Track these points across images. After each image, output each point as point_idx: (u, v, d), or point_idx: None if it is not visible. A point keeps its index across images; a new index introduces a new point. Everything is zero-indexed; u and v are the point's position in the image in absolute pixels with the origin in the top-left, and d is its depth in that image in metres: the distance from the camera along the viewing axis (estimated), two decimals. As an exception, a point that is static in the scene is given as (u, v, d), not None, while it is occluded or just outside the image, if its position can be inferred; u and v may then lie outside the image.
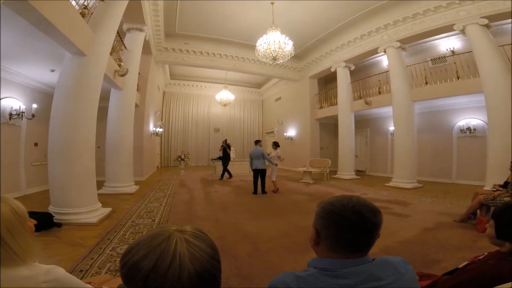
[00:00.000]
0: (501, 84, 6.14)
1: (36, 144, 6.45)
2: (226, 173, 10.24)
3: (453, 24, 6.99)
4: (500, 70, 6.21)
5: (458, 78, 7.63)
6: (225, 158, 10.26)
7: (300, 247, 3.12)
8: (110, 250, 2.97)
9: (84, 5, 4.04)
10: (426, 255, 2.80)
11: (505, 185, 4.04)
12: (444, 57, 8.87)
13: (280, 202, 5.91)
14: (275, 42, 6.69)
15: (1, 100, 5.33)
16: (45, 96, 6.49)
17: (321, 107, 12.72)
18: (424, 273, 1.58)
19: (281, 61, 7.19)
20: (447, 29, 7.37)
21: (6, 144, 5.51)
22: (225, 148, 10.23)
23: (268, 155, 7.26)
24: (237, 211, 5.05)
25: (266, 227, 4.00)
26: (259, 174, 6.93)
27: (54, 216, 3.72)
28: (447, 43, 8.97)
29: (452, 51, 8.63)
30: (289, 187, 8.11)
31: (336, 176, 10.50)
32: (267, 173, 7.14)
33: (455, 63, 7.97)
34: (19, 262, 0.85)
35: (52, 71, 5.45)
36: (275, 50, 6.72)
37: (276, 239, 3.45)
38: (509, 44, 6.47)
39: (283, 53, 6.83)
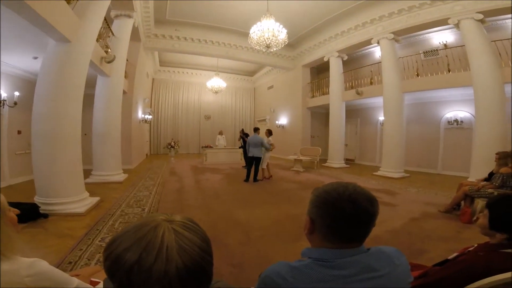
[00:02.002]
0: (491, 79, 6.27)
1: (19, 132, 6.18)
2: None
3: (448, 18, 7.01)
4: (490, 64, 6.31)
5: (449, 71, 7.75)
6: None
7: (292, 235, 3.18)
8: (99, 241, 2.93)
9: None
10: (413, 245, 2.90)
11: (490, 176, 4.19)
12: (437, 50, 8.95)
13: (271, 190, 5.97)
14: (269, 30, 6.52)
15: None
16: (28, 84, 6.17)
17: (313, 96, 12.70)
18: (413, 263, 1.62)
19: (275, 49, 7.04)
20: (441, 22, 7.39)
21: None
22: (243, 137, 9.98)
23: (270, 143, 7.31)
24: (229, 199, 5.07)
25: (257, 215, 4.04)
26: (254, 161, 6.95)
27: (40, 207, 3.62)
28: (440, 37, 9.04)
29: (445, 45, 8.74)
30: (280, 175, 8.18)
31: (326, 164, 10.65)
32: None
33: (446, 56, 8.06)
34: (0, 256, 0.80)
35: (35, 58, 5.17)
36: (269, 38, 6.56)
37: (267, 227, 3.50)
38: (501, 40, 6.57)
39: (277, 41, 6.68)
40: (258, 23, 6.63)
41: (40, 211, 3.57)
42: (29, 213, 3.40)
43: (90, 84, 5.55)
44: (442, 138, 9.06)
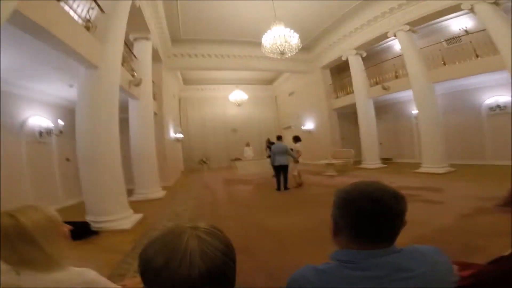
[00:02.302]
0: None
1: (68, 159, 6.81)
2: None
3: (460, 4, 6.59)
4: None
5: (477, 56, 7.18)
6: None
7: (326, 240, 3.03)
8: None
9: (86, 18, 4.18)
10: (466, 243, 2.60)
11: None
12: (459, 36, 8.36)
13: (303, 197, 5.83)
14: (280, 37, 6.57)
15: (29, 119, 5.64)
16: (69, 112, 6.84)
17: (336, 97, 12.36)
18: (464, 262, 1.44)
19: (289, 54, 7.05)
20: (455, 9, 6.98)
21: (40, 161, 5.87)
22: (269, 147, 9.99)
23: (292, 150, 7.18)
24: (261, 209, 5.04)
25: (290, 222, 3.95)
26: (282, 170, 6.84)
27: (91, 225, 3.95)
28: (459, 23, 8.48)
29: (466, 31, 8.17)
30: (312, 180, 7.97)
31: (361, 166, 10.15)
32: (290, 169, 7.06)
33: (470, 42, 7.49)
34: (54, 266, 0.88)
35: (71, 86, 5.69)
36: (282, 44, 6.60)
37: (300, 234, 3.40)
38: None
39: (290, 47, 6.70)
40: (268, 31, 6.72)
41: (92, 229, 3.89)
42: (82, 231, 3.72)
43: (123, 109, 5.97)
44: (486, 126, 8.18)
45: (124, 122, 6.29)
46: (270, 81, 17.95)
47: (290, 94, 16.25)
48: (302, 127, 14.63)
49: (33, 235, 0.84)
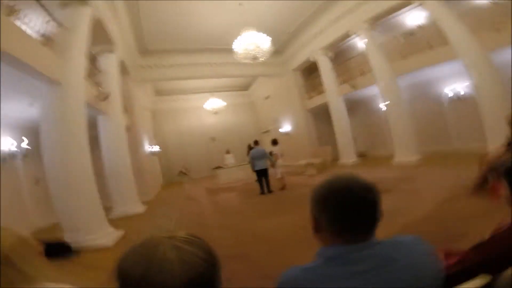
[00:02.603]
0: (472, 48, 6.23)
1: (37, 182, 6.34)
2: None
3: None
4: (466, 36, 6.30)
5: (430, 47, 7.67)
6: None
7: (314, 239, 3.05)
8: None
9: (42, 33, 3.91)
10: (447, 230, 2.73)
11: (509, 144, 3.96)
12: (413, 30, 8.89)
13: (288, 198, 5.86)
14: (252, 42, 6.63)
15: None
16: (33, 132, 6.34)
17: (310, 97, 12.68)
18: (449, 249, 1.48)
19: (262, 59, 7.13)
20: (407, 3, 7.50)
21: (7, 185, 5.47)
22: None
23: (271, 153, 7.19)
24: (248, 214, 5.00)
25: (279, 224, 3.96)
26: (263, 174, 6.84)
27: (70, 244, 3.70)
28: (412, 16, 9.03)
29: (419, 24, 8.71)
30: (294, 181, 8.05)
31: (338, 162, 10.43)
32: (271, 172, 7.06)
33: (424, 34, 8.03)
34: (33, 283, 0.88)
35: (31, 105, 5.26)
36: (254, 49, 6.65)
37: (291, 235, 3.41)
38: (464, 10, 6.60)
39: (262, 51, 6.77)
40: (240, 37, 6.75)
41: (72, 248, 3.66)
42: (62, 250, 3.46)
43: (93, 125, 5.64)
44: (448, 113, 8.82)
45: (95, 139, 5.97)
46: (245, 87, 18.02)
47: (266, 98, 16.42)
48: (280, 130, 14.81)
49: (10, 256, 0.86)
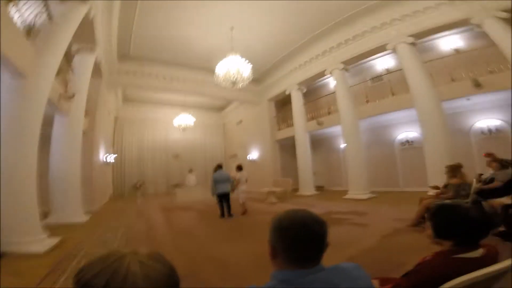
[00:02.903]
0: (428, 98, 7.11)
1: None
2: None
3: (386, 44, 8.01)
4: (426, 85, 7.19)
5: (392, 94, 8.67)
6: None
7: (270, 265, 3.06)
8: (64, 280, 2.72)
9: (29, 25, 3.71)
10: (389, 260, 2.98)
11: (446, 188, 4.60)
12: (381, 75, 9.93)
13: (247, 223, 5.80)
14: (234, 67, 6.91)
15: None
16: None
17: (279, 129, 13.25)
18: (385, 277, 1.64)
19: (240, 85, 7.40)
20: (382, 49, 8.38)
21: None
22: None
23: (233, 178, 7.17)
24: (204, 236, 4.80)
25: (235, 249, 3.86)
26: (224, 197, 6.77)
27: None
28: (383, 62, 10.19)
29: (387, 70, 9.76)
30: (255, 207, 8.03)
31: (298, 193, 10.77)
32: (234, 196, 7.00)
33: (389, 80, 9.05)
34: None
35: None
36: (234, 75, 6.93)
37: (245, 262, 3.33)
38: (431, 60, 7.68)
39: (242, 78, 7.07)
40: (224, 60, 7.00)
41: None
42: None
43: (47, 123, 5.19)
44: (398, 158, 9.89)
45: (45, 138, 5.42)
46: (219, 109, 18.14)
47: (238, 123, 16.68)
48: (248, 156, 14.95)
49: None
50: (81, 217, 6.24)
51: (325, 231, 0.87)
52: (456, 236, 1.12)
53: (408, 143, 9.56)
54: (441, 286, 0.96)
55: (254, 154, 14.73)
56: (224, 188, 6.73)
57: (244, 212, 6.95)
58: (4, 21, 3.14)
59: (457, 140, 7.58)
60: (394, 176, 9.93)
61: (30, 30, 3.77)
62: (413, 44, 7.55)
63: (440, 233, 1.18)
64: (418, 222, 4.37)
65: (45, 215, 5.33)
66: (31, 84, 3.91)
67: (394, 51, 8.01)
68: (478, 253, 1.08)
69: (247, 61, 7.19)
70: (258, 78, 12.66)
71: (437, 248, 1.25)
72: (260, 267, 3.05)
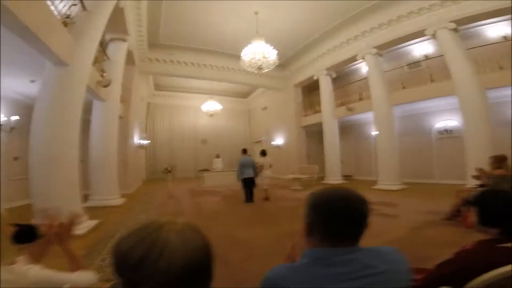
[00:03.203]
0: (472, 86, 6.53)
1: (16, 158, 6.14)
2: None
3: (425, 29, 7.39)
4: (469, 72, 6.59)
5: (432, 81, 8.01)
6: None
7: (294, 252, 3.10)
8: (100, 261, 2.90)
9: (67, 14, 3.96)
10: (417, 252, 2.86)
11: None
12: (419, 61, 9.24)
13: (271, 209, 5.88)
14: (259, 52, 6.83)
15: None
16: (25, 108, 6.22)
17: (306, 115, 12.96)
18: (418, 268, 1.59)
19: (266, 70, 7.31)
20: (419, 34, 7.77)
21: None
22: None
23: (257, 163, 7.24)
24: (228, 220, 4.97)
25: (258, 234, 3.96)
26: (249, 182, 6.86)
27: (37, 229, 3.54)
28: (421, 48, 9.42)
29: (426, 56, 9.05)
30: (279, 194, 8.10)
31: (324, 181, 10.61)
32: (258, 182, 7.10)
33: (428, 67, 8.37)
34: None
35: (32, 81, 5.25)
36: (260, 60, 6.85)
37: (269, 245, 3.41)
38: (475, 47, 6.95)
39: (268, 63, 6.97)
40: (249, 46, 6.93)
41: (38, 233, 3.50)
42: (27, 234, 3.31)
43: (86, 109, 5.63)
44: (435, 148, 9.21)
45: (84, 123, 5.89)
46: (245, 95, 18.21)
47: (263, 109, 16.64)
48: (272, 142, 14.96)
49: None
50: (117, 200, 6.64)
51: (366, 210, 0.82)
52: (504, 223, 1.04)
53: (446, 132, 8.82)
54: (485, 275, 0.91)
55: (279, 140, 14.66)
56: (249, 172, 6.83)
57: (267, 199, 7.04)
58: (44, 11, 3.34)
59: (500, 131, 6.87)
60: (429, 167, 9.31)
61: (66, 21, 3.99)
62: (455, 30, 6.89)
63: (486, 220, 1.10)
64: (453, 216, 4.10)
65: (85, 198, 5.68)
66: (71, 71, 4.15)
67: (433, 37, 7.38)
68: None
69: (272, 46, 7.03)
70: (284, 63, 12.34)
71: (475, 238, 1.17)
72: (279, 252, 3.12)
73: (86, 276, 1.15)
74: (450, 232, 3.53)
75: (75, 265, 1.27)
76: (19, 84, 5.57)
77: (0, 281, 0.81)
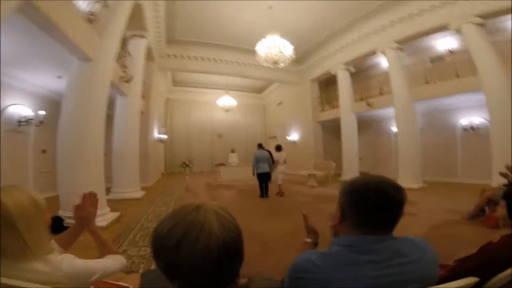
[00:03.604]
0: (500, 82, 6.16)
1: (44, 151, 6.54)
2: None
3: (448, 24, 7.03)
4: (497, 67, 6.21)
5: (457, 76, 7.60)
6: None
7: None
8: (121, 253, 3.01)
9: (91, 11, 4.14)
10: (438, 250, 2.78)
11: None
12: (442, 56, 8.79)
13: (286, 204, 5.92)
14: (275, 46, 6.78)
15: (9, 107, 5.43)
16: (52, 103, 6.58)
17: (322, 110, 12.75)
18: (440, 263, 1.57)
19: (282, 65, 7.25)
20: (442, 28, 7.39)
21: (15, 151, 5.60)
22: None
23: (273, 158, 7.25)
24: (244, 213, 5.05)
25: (274, 227, 4.01)
26: (265, 177, 6.86)
27: (64, 220, 3.76)
28: (444, 42, 8.94)
29: (450, 50, 8.59)
30: (294, 189, 8.10)
31: (340, 178, 10.46)
32: (273, 177, 7.14)
33: (453, 62, 7.93)
34: (31, 256, 0.80)
35: (59, 77, 5.52)
36: (276, 54, 6.81)
37: (285, 239, 3.46)
38: (502, 42, 6.53)
39: (284, 57, 6.91)
40: (264, 40, 6.88)
41: (65, 224, 3.71)
42: (54, 226, 3.53)
43: (109, 105, 5.86)
44: (459, 146, 8.79)
45: (108, 119, 6.16)
46: (260, 90, 18.21)
47: (279, 104, 16.55)
48: (287, 138, 14.89)
49: (14, 218, 0.77)
50: (138, 193, 6.87)
51: (403, 198, 0.81)
52: None
53: (472, 129, 8.37)
54: (507, 270, 0.90)
55: (294, 136, 14.57)
56: (265, 167, 6.82)
57: (281, 194, 7.05)
58: (69, 8, 3.49)
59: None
60: (452, 165, 8.89)
61: (90, 17, 4.14)
62: (480, 24, 6.48)
63: None
64: (477, 215, 3.94)
65: (107, 191, 5.81)
66: (96, 67, 4.32)
67: (458, 31, 6.98)
68: None
69: (287, 41, 6.96)
70: (300, 58, 12.12)
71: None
72: (294, 246, 3.15)
73: (118, 260, 1.14)
74: (472, 232, 3.40)
75: (104, 249, 1.27)
76: (47, 80, 5.84)
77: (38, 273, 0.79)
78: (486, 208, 3.90)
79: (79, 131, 4.17)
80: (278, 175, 7.26)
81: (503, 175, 4.09)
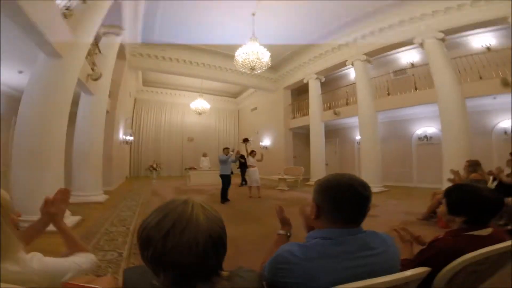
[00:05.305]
0: (452, 95, 6.90)
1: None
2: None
3: (414, 38, 7.71)
4: (452, 81, 6.96)
5: (416, 89, 8.41)
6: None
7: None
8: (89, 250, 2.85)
9: (67, 6, 3.88)
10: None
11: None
12: (405, 69, 9.62)
13: (257, 208, 5.99)
14: (253, 53, 6.92)
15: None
16: (8, 99, 5.94)
17: (294, 117, 13.19)
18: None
19: (259, 71, 7.40)
20: (408, 42, 8.09)
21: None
22: (239, 159, 9.38)
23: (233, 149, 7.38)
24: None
25: (246, 231, 4.03)
26: (224, 179, 6.92)
27: (19, 224, 3.40)
28: (408, 56, 9.82)
29: (412, 64, 9.45)
30: (265, 193, 8.21)
31: (309, 183, 10.85)
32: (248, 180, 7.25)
33: (413, 75, 8.73)
34: (0, 256, 0.79)
35: (20, 72, 5.05)
36: (253, 61, 6.94)
37: (257, 242, 3.51)
38: (459, 57, 7.38)
39: (261, 64, 7.07)
40: (244, 46, 7.00)
41: (19, 228, 3.35)
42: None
43: (73, 102, 5.49)
44: (415, 154, 9.69)
45: (70, 116, 5.73)
46: (235, 94, 18.21)
47: (253, 109, 16.72)
48: (260, 143, 15.06)
49: None
50: (100, 197, 6.44)
51: (370, 194, 0.90)
52: (468, 213, 1.18)
53: (426, 138, 9.33)
54: (452, 263, 1.00)
55: (266, 141, 14.82)
56: (222, 169, 6.96)
57: (252, 196, 7.18)
58: (45, 1, 3.26)
59: (477, 139, 7.38)
60: (409, 171, 9.80)
61: (65, 12, 3.89)
62: (442, 40, 7.23)
63: (453, 210, 1.24)
64: (429, 216, 4.39)
65: None
66: (65, 63, 4.05)
67: (421, 46, 7.71)
68: (486, 231, 1.15)
69: (265, 49, 7.15)
70: (276, 65, 12.41)
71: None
72: (266, 248, 3.23)
73: (89, 257, 1.11)
74: (427, 231, 3.77)
75: (73, 246, 1.23)
76: (7, 75, 5.36)
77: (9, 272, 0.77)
78: (437, 210, 4.36)
79: (39, 129, 3.88)
80: (251, 177, 7.37)
81: (450, 180, 4.63)
